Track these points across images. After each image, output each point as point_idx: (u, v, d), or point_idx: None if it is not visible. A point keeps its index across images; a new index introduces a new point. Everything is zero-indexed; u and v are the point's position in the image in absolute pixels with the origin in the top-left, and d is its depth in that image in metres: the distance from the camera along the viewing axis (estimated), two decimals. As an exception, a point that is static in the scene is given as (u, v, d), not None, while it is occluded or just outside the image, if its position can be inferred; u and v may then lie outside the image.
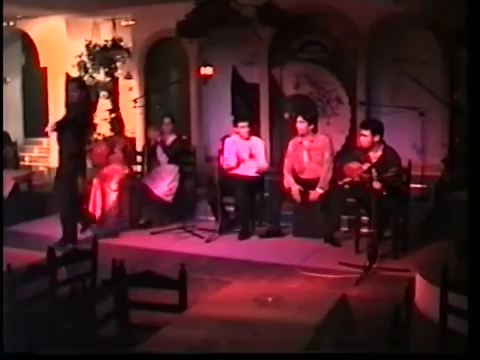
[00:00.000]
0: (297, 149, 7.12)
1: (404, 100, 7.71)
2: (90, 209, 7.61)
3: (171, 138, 7.94)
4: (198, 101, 9.22)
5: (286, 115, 8.51)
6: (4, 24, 9.57)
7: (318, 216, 7.01)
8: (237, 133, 7.50)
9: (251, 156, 7.44)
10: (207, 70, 8.48)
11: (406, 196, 6.51)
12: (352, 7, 7.82)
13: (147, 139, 8.13)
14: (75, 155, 6.80)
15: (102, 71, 9.65)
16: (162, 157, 7.90)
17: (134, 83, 9.68)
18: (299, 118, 7.05)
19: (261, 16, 8.05)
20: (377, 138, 6.31)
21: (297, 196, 6.90)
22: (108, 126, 9.14)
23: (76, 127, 6.77)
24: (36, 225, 7.84)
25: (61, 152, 6.89)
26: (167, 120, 7.96)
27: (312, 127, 7.04)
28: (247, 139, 7.49)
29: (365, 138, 6.32)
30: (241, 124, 7.46)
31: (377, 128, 6.36)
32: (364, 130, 6.35)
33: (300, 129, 7.02)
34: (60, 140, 6.89)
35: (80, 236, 6.95)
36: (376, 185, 5.82)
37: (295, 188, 6.91)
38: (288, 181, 7.01)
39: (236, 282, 4.51)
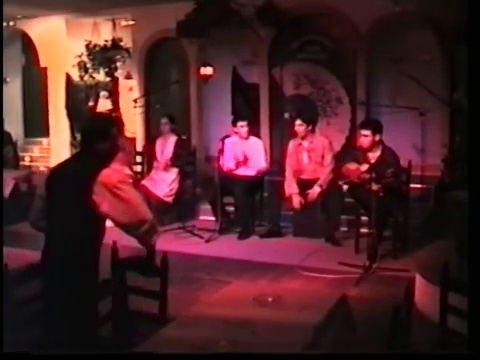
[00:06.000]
0: (297, 150, 7.13)
1: (404, 100, 7.70)
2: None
3: (172, 139, 7.92)
4: (198, 101, 9.21)
5: (286, 115, 8.51)
6: (4, 24, 9.57)
7: (318, 216, 7.01)
8: (236, 133, 7.49)
9: (251, 156, 7.44)
10: (207, 70, 8.48)
11: (406, 196, 6.51)
12: (352, 7, 7.81)
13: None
14: None
15: (102, 71, 9.64)
16: (163, 158, 7.89)
17: (134, 83, 9.67)
18: (297, 121, 7.06)
19: (261, 16, 8.04)
20: (377, 138, 6.30)
21: (297, 206, 6.89)
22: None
23: None
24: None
25: None
26: (164, 120, 7.93)
27: (310, 128, 7.06)
28: (246, 139, 7.49)
29: (366, 138, 6.29)
30: (240, 123, 7.45)
31: (377, 127, 6.35)
32: (365, 130, 6.33)
33: (299, 132, 7.04)
34: None
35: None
36: (374, 186, 5.82)
37: (296, 199, 6.89)
38: (290, 188, 6.97)
39: (236, 282, 4.51)
